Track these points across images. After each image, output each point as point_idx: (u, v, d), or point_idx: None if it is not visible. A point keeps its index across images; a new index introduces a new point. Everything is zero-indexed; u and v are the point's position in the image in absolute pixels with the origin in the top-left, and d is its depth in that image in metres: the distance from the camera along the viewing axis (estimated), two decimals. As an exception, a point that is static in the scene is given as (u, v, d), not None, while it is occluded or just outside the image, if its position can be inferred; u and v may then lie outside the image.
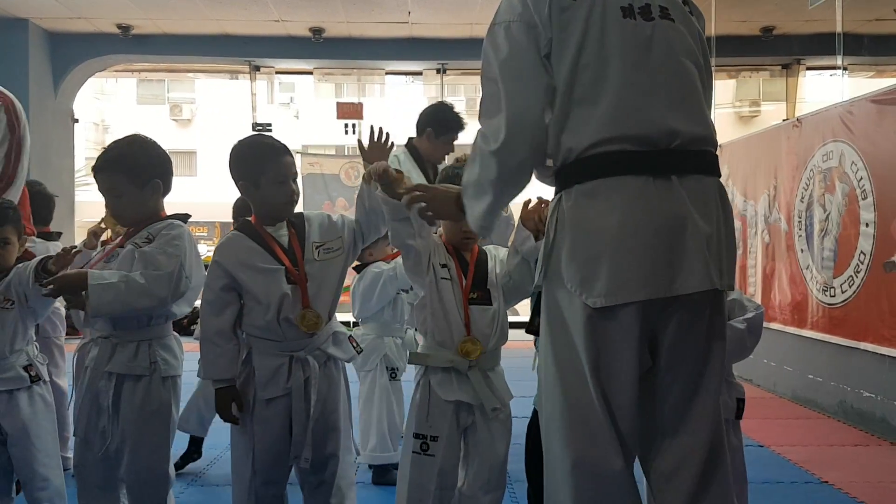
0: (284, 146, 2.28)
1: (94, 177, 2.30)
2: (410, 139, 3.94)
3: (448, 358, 2.20)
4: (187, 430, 3.42)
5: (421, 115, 3.91)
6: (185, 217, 2.39)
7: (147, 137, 2.54)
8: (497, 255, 2.37)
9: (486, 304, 2.25)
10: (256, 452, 2.17)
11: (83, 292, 2.13)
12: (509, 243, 2.35)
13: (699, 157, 1.63)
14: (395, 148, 3.81)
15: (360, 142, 2.39)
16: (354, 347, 2.30)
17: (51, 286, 2.18)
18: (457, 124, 3.91)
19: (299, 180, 2.35)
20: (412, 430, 2.23)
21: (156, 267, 2.18)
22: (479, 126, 1.71)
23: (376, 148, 2.34)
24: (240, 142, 2.30)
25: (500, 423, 2.25)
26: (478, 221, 1.78)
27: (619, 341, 1.57)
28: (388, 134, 2.35)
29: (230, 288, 2.18)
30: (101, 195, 2.31)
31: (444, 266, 2.25)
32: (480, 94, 1.71)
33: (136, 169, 2.28)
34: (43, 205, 3.59)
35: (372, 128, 2.35)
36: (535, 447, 2.40)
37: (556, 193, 1.67)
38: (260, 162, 2.22)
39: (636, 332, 1.57)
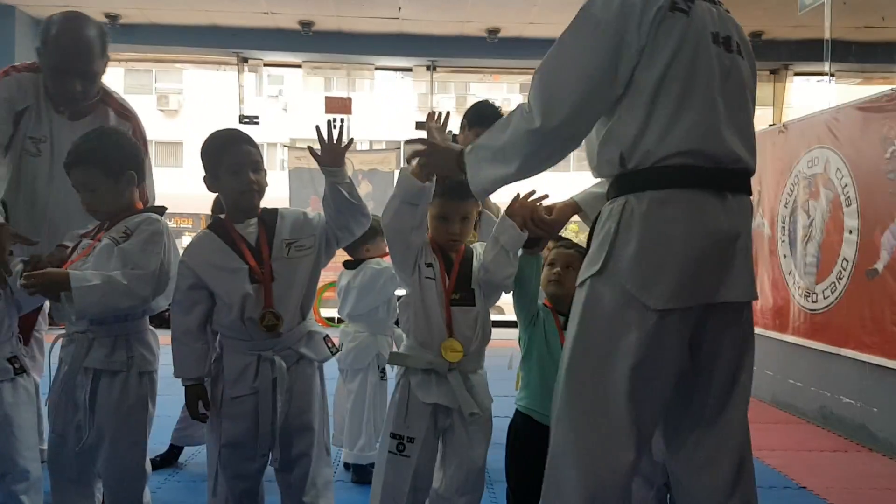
0: (245, 136, 2.23)
1: (68, 173, 2.26)
2: (454, 136, 3.88)
3: (427, 359, 2.19)
4: (190, 444, 3.46)
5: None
6: (161, 210, 2.37)
7: (117, 129, 2.53)
8: (479, 251, 2.34)
9: (468, 304, 2.23)
10: (223, 448, 2.17)
11: (64, 293, 2.10)
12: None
13: (744, 178, 1.78)
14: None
15: (310, 148, 2.23)
16: (330, 348, 2.27)
17: (33, 283, 2.10)
18: (489, 118, 3.80)
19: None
20: (389, 430, 2.22)
21: (137, 266, 2.15)
22: (528, 91, 1.76)
23: (330, 152, 2.14)
24: (207, 137, 2.28)
25: (479, 427, 2.24)
26: (486, 185, 1.85)
27: (670, 342, 1.68)
28: (341, 130, 2.17)
29: (197, 287, 2.16)
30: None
31: (429, 265, 2.23)
32: (547, 56, 1.74)
33: (109, 162, 2.25)
34: None
35: (329, 123, 2.16)
36: (514, 448, 2.40)
37: (621, 194, 1.73)
38: (218, 152, 2.19)
39: (684, 335, 1.70)
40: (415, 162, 2.07)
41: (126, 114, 2.72)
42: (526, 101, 1.77)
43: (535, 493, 2.39)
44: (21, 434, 2.51)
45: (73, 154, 2.26)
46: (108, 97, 2.69)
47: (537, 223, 2.17)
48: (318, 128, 2.15)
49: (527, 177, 1.83)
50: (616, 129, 1.73)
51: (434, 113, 2.36)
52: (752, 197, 1.83)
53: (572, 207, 2.20)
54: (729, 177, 1.72)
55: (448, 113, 2.34)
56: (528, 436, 2.34)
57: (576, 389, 1.74)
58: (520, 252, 2.24)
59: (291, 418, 2.18)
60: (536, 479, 2.39)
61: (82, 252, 2.25)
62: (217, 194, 2.38)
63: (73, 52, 2.50)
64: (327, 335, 2.28)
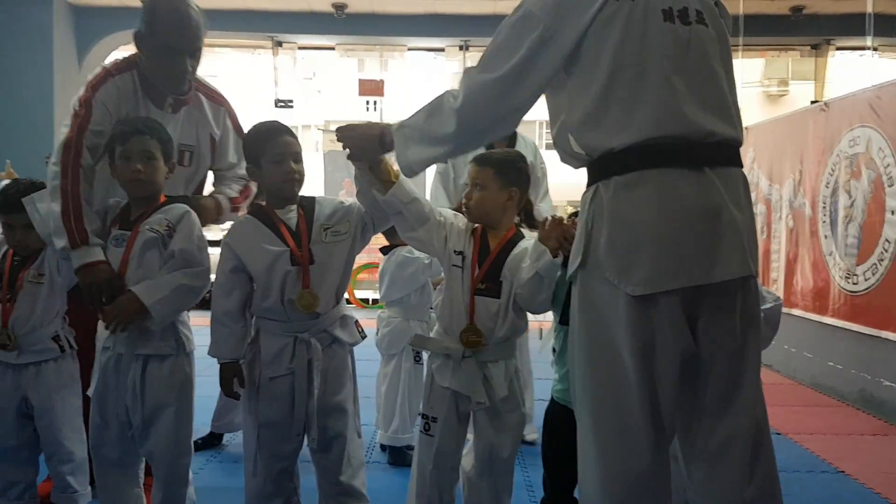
0: (285, 127, 2.28)
1: (131, 137, 2.31)
2: None
3: (444, 345, 2.22)
4: (230, 430, 3.53)
5: None
6: (188, 200, 2.47)
7: None
8: (528, 247, 2.26)
9: (493, 296, 2.20)
10: (261, 429, 2.23)
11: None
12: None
13: (727, 148, 1.68)
14: None
15: (338, 131, 2.13)
16: (360, 332, 2.31)
17: (116, 324, 2.21)
18: None
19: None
20: (419, 409, 2.29)
21: (197, 264, 2.29)
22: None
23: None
24: (250, 128, 2.34)
25: (506, 415, 2.23)
26: (414, 165, 1.88)
27: (662, 329, 1.61)
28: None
29: (239, 270, 2.23)
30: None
31: (458, 253, 2.23)
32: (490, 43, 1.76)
33: (166, 142, 2.38)
34: None
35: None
36: (551, 434, 2.41)
37: (590, 184, 1.71)
38: (259, 143, 2.26)
39: (678, 319, 1.61)
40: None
41: (218, 98, 2.75)
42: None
43: (571, 479, 2.41)
44: (65, 416, 2.59)
45: (142, 122, 2.37)
46: (198, 83, 2.70)
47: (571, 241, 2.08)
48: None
49: (456, 154, 1.91)
50: (571, 125, 1.70)
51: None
52: (742, 168, 1.73)
53: None
54: (704, 150, 1.63)
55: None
56: (564, 424, 2.35)
57: (586, 385, 1.72)
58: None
59: (326, 399, 2.23)
60: (572, 466, 2.41)
61: (126, 247, 2.30)
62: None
63: (184, 31, 2.50)
64: (357, 320, 2.33)
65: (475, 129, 1.81)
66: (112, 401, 2.30)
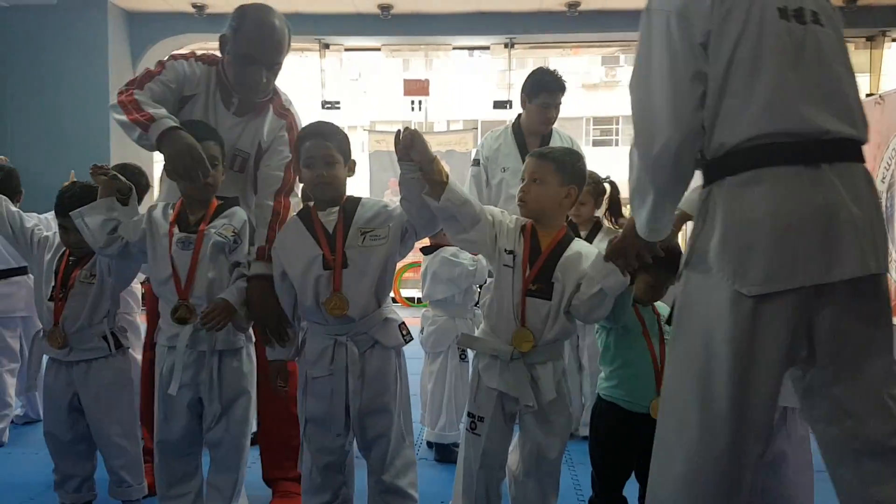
0: (316, 129, 2.32)
1: (200, 143, 2.35)
2: (519, 115, 3.76)
3: (493, 346, 2.18)
4: None
5: None
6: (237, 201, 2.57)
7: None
8: (587, 252, 2.23)
9: (545, 297, 2.15)
10: (307, 423, 2.32)
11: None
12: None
13: (846, 144, 1.66)
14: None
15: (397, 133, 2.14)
16: (404, 335, 2.30)
17: (219, 327, 2.31)
18: (541, 84, 3.59)
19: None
20: (466, 408, 2.28)
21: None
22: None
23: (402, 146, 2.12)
24: None
25: (553, 416, 2.20)
26: (643, 230, 1.84)
27: (771, 330, 1.60)
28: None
29: (285, 276, 2.29)
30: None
31: (509, 252, 2.19)
32: (632, 76, 1.74)
33: (223, 146, 2.49)
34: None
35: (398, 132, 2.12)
36: (598, 433, 2.40)
37: (706, 185, 1.72)
38: (297, 146, 2.34)
39: (789, 321, 1.60)
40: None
41: (284, 112, 2.76)
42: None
43: (619, 477, 2.40)
44: (117, 412, 2.67)
45: (205, 128, 2.45)
46: (275, 96, 2.73)
47: (648, 256, 2.05)
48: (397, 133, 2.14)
49: (675, 197, 1.77)
50: None
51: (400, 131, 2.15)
52: (863, 163, 1.69)
53: (681, 218, 2.15)
54: (820, 147, 1.61)
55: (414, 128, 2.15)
56: (611, 422, 2.34)
57: (678, 380, 1.71)
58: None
59: (367, 401, 2.25)
60: (619, 463, 2.39)
61: (193, 250, 2.37)
62: None
63: (266, 43, 2.54)
64: (403, 322, 2.31)
65: None
66: (186, 396, 2.38)
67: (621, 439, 2.34)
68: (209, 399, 2.39)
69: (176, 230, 2.40)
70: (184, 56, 2.65)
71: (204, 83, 2.62)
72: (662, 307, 2.46)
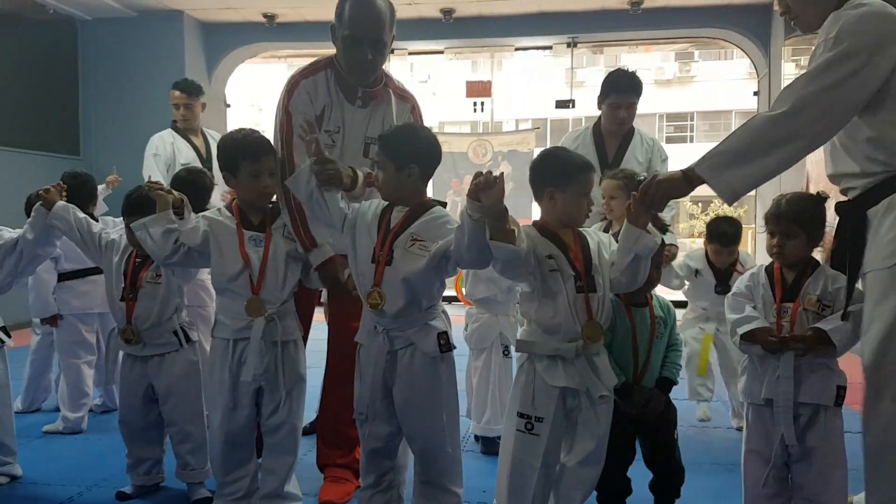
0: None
1: (262, 157, 2.57)
2: (599, 117, 3.79)
3: (553, 346, 2.24)
4: None
5: None
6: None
7: None
8: (599, 238, 2.36)
9: (592, 290, 2.25)
10: (359, 391, 2.46)
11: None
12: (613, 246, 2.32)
13: None
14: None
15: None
16: (441, 345, 2.34)
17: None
18: (611, 85, 3.61)
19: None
20: (516, 409, 2.29)
21: None
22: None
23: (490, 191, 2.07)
24: None
25: (605, 404, 2.29)
26: (737, 187, 2.04)
27: None
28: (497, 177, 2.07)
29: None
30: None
31: (549, 257, 2.25)
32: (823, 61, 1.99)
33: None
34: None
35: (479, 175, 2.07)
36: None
37: None
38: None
39: None
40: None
41: (405, 95, 2.89)
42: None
43: (624, 458, 2.53)
44: (186, 401, 2.87)
45: (261, 142, 2.60)
46: (389, 80, 2.86)
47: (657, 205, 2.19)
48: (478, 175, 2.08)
49: (781, 169, 2.03)
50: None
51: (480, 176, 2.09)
52: None
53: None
54: None
55: (502, 174, 2.09)
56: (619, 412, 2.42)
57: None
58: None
59: (404, 398, 2.38)
60: (624, 445, 2.50)
61: (264, 247, 2.58)
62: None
63: (366, 21, 2.66)
64: (445, 332, 2.37)
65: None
66: (253, 385, 2.55)
67: (619, 427, 2.41)
68: (273, 387, 2.54)
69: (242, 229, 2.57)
70: (297, 79, 2.74)
71: (324, 91, 2.74)
72: (663, 307, 2.54)
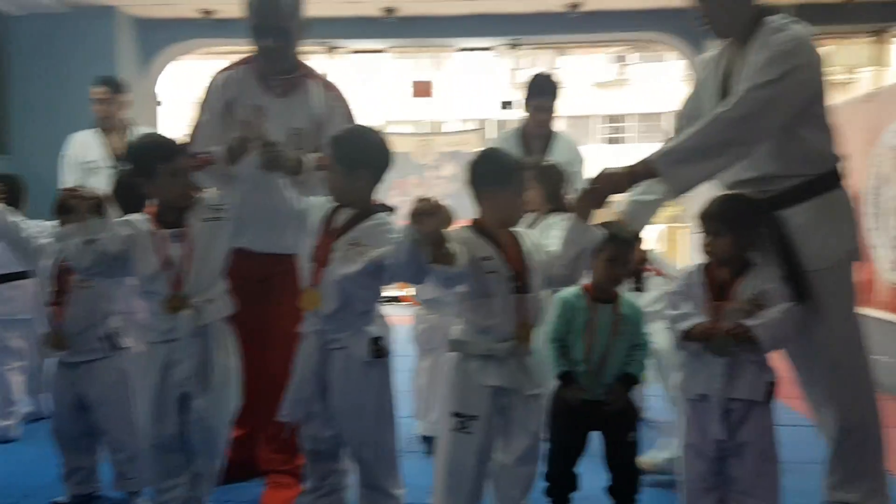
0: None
1: (178, 155, 2.55)
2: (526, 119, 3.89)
3: (487, 346, 2.27)
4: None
5: None
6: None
7: None
8: (530, 238, 2.38)
9: (526, 291, 2.28)
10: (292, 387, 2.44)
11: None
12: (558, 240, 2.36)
13: None
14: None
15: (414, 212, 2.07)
16: (373, 351, 2.32)
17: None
18: (537, 87, 3.75)
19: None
20: (449, 409, 2.32)
21: None
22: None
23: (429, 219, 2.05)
24: None
25: (536, 402, 2.34)
26: (686, 184, 2.25)
27: None
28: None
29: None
30: None
31: (486, 259, 2.26)
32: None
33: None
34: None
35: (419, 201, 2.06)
36: (555, 414, 2.58)
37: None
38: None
39: None
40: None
41: (329, 85, 2.94)
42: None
43: (571, 452, 2.57)
44: (117, 410, 2.82)
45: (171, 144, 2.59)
46: (310, 71, 2.92)
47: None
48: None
49: (727, 168, 2.23)
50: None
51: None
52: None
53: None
54: None
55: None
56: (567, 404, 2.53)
57: None
58: None
59: (337, 401, 2.36)
60: (572, 439, 2.56)
61: (185, 244, 2.51)
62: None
63: (263, 9, 2.74)
64: (381, 338, 2.35)
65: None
66: (179, 389, 2.48)
67: (574, 418, 2.51)
68: (200, 388, 2.46)
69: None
70: (218, 71, 2.88)
71: (234, 84, 2.82)
72: (630, 306, 2.58)
